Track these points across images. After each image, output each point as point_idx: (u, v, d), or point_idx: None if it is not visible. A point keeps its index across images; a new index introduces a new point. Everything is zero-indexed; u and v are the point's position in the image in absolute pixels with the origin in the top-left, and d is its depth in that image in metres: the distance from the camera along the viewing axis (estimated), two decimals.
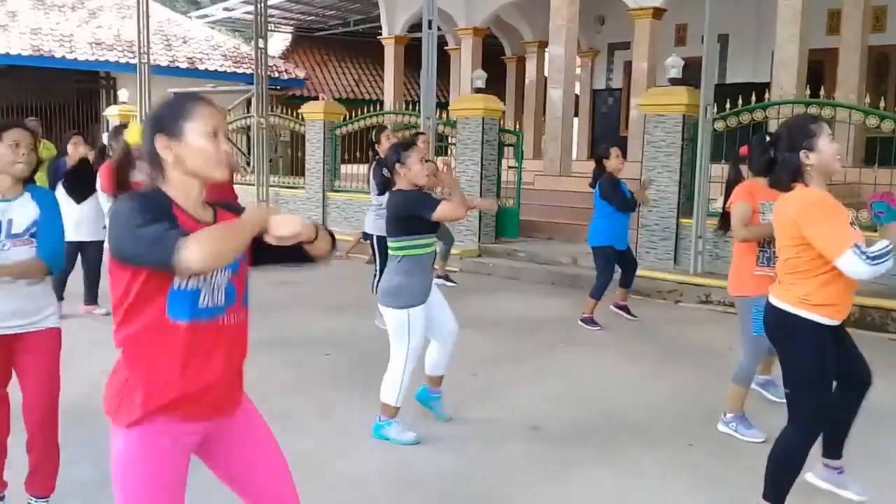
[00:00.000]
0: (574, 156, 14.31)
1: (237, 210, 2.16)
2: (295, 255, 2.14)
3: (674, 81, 8.75)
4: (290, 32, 23.08)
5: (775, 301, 3.15)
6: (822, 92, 8.14)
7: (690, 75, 8.91)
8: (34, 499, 3.17)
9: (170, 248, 1.78)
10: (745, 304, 4.25)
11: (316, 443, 4.14)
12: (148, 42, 14.90)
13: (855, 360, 3.32)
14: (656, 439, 4.29)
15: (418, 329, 4.08)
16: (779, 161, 3.13)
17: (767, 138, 3.71)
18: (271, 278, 8.16)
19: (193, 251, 1.77)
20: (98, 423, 2.23)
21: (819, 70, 12.77)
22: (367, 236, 9.14)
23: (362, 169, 10.93)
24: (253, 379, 2.35)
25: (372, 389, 4.33)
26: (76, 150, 6.91)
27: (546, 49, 17.62)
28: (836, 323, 3.10)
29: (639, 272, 7.21)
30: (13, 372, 3.13)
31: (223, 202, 2.22)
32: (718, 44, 15.17)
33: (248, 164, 15.39)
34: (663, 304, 7.96)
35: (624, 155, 6.77)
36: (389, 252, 4.17)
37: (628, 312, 7.04)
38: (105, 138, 6.90)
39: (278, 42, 22.96)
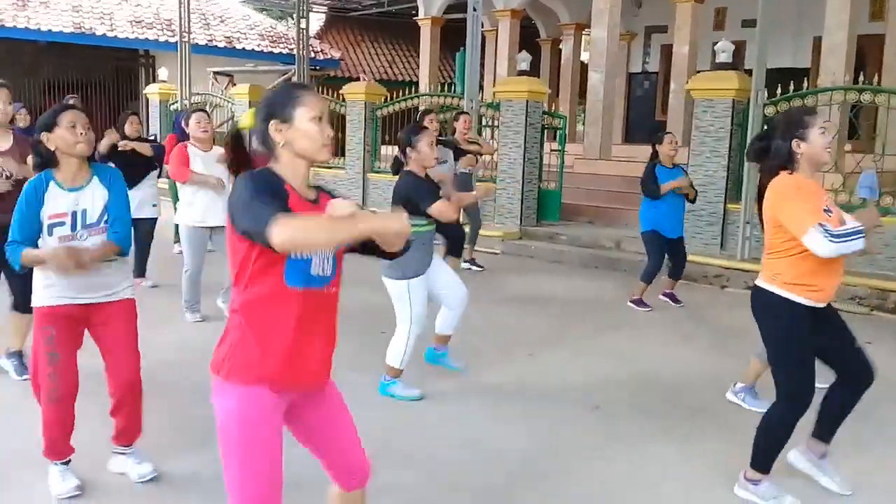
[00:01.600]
0: (614, 140, 14.29)
1: (332, 194, 2.30)
2: (372, 248, 2.24)
3: (719, 66, 8.72)
4: (325, 13, 23.13)
5: (757, 280, 3.35)
6: (861, 78, 8.10)
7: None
8: (123, 448, 3.40)
9: (264, 222, 1.91)
10: None
11: (380, 417, 4.25)
12: (189, 21, 15.03)
13: (855, 354, 3.38)
14: (713, 417, 4.39)
15: (418, 298, 4.40)
16: (772, 148, 3.27)
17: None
18: None
19: (277, 233, 1.89)
20: (160, 390, 2.37)
21: (863, 56, 12.64)
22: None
23: None
24: None
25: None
26: (133, 128, 7.09)
27: (583, 31, 17.59)
28: (812, 304, 3.21)
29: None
30: (89, 343, 3.29)
31: (325, 186, 2.36)
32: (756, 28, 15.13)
33: None
34: (710, 288, 7.99)
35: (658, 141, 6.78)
36: None
37: (674, 300, 7.08)
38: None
39: (313, 22, 22.99)
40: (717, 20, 16.28)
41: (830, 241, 2.99)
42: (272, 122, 2.17)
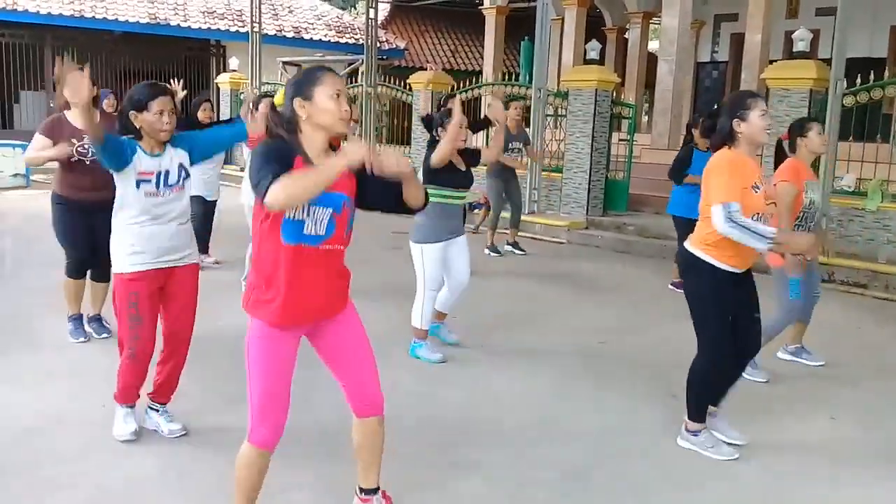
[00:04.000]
0: (683, 130, 14.10)
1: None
2: (392, 202, 2.67)
3: (795, 55, 8.54)
4: (390, 2, 23.30)
5: (686, 242, 3.68)
6: None
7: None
8: (158, 405, 3.73)
9: (264, 186, 2.32)
10: (782, 273, 4.67)
11: (459, 395, 4.35)
12: (260, 12, 15.32)
13: (752, 325, 3.71)
14: (789, 404, 4.37)
15: (431, 263, 4.84)
16: (718, 126, 3.58)
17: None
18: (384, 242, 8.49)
19: (273, 191, 2.30)
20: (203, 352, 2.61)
21: None
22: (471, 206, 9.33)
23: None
24: None
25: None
26: (206, 115, 7.39)
27: (651, 20, 17.36)
28: (729, 268, 3.52)
29: None
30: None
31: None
32: (833, 17, 14.69)
33: (355, 133, 15.73)
34: (760, 277, 7.84)
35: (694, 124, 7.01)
36: None
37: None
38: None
39: (378, 12, 23.23)
40: (790, 8, 15.90)
41: (727, 221, 3.33)
42: (296, 99, 2.53)
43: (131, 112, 3.42)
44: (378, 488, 2.89)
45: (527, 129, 9.63)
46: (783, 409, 4.40)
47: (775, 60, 11.06)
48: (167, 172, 3.48)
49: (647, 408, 4.30)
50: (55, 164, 4.91)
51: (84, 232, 4.86)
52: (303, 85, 2.54)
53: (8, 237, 8.76)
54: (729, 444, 3.77)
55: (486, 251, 8.70)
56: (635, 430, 4.00)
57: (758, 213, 3.51)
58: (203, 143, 3.68)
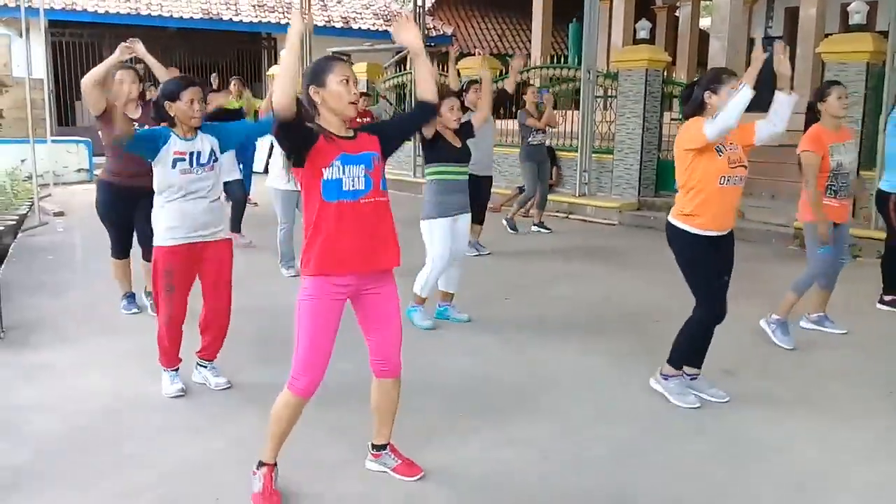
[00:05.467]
0: None
1: (372, 128, 3.05)
2: (414, 123, 3.32)
3: (851, 28, 8.36)
4: None
5: (668, 215, 4.00)
6: None
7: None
8: (205, 361, 4.22)
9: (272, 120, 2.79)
10: (812, 228, 4.92)
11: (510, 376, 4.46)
12: (309, 3, 15.51)
13: (721, 289, 3.98)
14: (857, 389, 4.37)
15: (438, 237, 5.16)
16: (693, 96, 3.85)
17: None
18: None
19: (272, 98, 2.72)
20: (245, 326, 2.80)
21: None
22: (520, 189, 9.56)
23: (510, 124, 11.09)
24: None
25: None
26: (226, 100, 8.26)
27: None
28: (705, 232, 3.85)
29: None
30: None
31: (365, 125, 3.11)
32: None
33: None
34: None
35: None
36: (426, 176, 5.28)
37: None
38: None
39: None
40: None
41: (711, 123, 3.61)
42: (311, 87, 2.87)
43: (165, 102, 3.85)
44: (388, 444, 3.23)
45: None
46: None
47: (831, 34, 10.82)
48: (199, 153, 3.91)
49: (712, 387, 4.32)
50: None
51: (124, 213, 5.30)
52: (316, 73, 2.86)
53: (77, 230, 9.13)
54: (701, 397, 4.07)
55: (534, 228, 9.23)
56: (706, 405, 4.05)
57: (724, 176, 3.79)
58: (229, 133, 4.15)
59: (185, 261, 3.92)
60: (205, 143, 3.95)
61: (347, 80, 2.84)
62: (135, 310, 5.58)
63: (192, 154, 3.88)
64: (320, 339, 2.91)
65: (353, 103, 2.85)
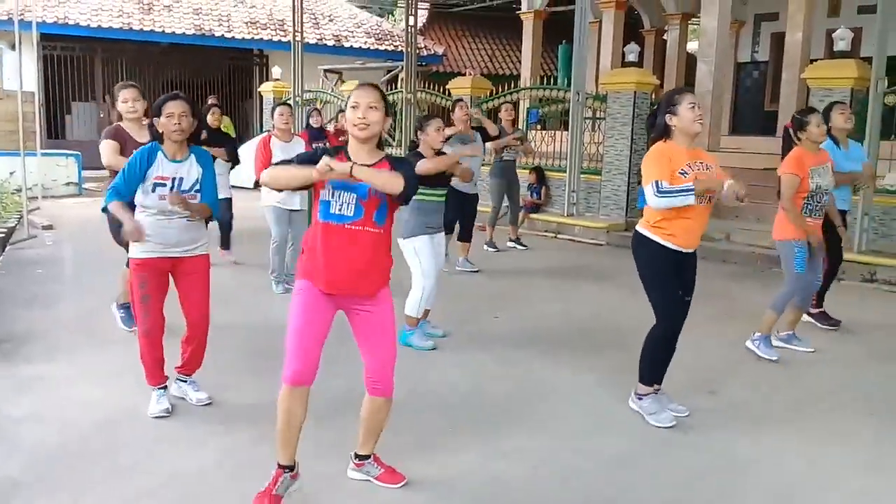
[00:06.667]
0: (725, 131, 14.08)
1: (395, 162, 3.08)
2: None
3: (836, 54, 8.54)
4: (427, 9, 23.54)
5: (637, 226, 4.11)
6: None
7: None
8: (184, 376, 4.23)
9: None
10: (789, 246, 5.19)
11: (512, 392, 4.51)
12: (301, 21, 15.63)
13: (682, 307, 4.06)
14: (839, 406, 4.44)
15: (424, 254, 5.21)
16: (656, 122, 3.99)
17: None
18: None
19: (267, 170, 3.03)
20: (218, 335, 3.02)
21: None
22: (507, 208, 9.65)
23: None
24: None
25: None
26: (214, 118, 8.13)
27: (689, 21, 17.33)
28: (672, 246, 3.94)
29: None
30: (169, 290, 4.08)
31: (397, 157, 3.21)
32: (875, 15, 14.50)
33: (393, 137, 15.94)
34: None
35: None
36: None
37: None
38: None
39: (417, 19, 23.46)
40: (831, 6, 15.74)
41: (656, 194, 3.78)
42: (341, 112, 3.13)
43: (154, 119, 3.90)
44: (371, 455, 3.31)
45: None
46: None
47: (816, 59, 11.02)
48: (181, 180, 3.90)
49: (686, 402, 4.39)
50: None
51: None
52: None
53: (66, 244, 9.12)
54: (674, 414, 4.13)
55: (485, 247, 9.13)
56: (692, 425, 4.11)
57: None
58: (207, 174, 4.03)
59: (158, 272, 3.95)
60: (192, 169, 3.93)
61: (356, 106, 2.99)
62: (134, 328, 5.42)
63: (174, 179, 3.86)
64: (307, 327, 3.00)
65: (356, 126, 2.99)
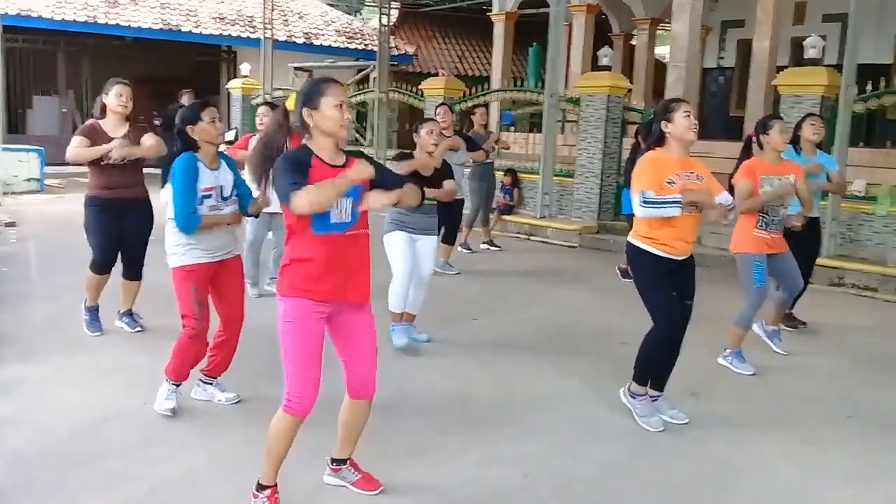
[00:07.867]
0: None
1: (366, 158, 2.99)
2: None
3: (804, 62, 8.71)
4: (398, 8, 23.48)
5: (629, 237, 4.16)
6: None
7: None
8: (211, 379, 4.19)
9: (287, 196, 2.72)
10: (746, 260, 5.13)
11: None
12: (271, 18, 15.50)
13: (683, 311, 4.08)
14: (821, 411, 4.53)
15: (399, 250, 5.24)
16: (652, 130, 4.06)
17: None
18: None
19: (299, 200, 2.70)
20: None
21: None
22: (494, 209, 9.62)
23: None
24: None
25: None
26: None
27: (657, 26, 17.53)
28: (663, 254, 3.98)
29: None
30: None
31: (357, 151, 3.07)
32: (840, 23, 14.86)
33: (364, 137, 15.86)
34: None
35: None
36: None
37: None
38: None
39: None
40: (797, 14, 16.06)
41: (641, 205, 3.87)
42: (304, 109, 2.87)
43: (187, 127, 3.87)
44: (348, 459, 3.27)
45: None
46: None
47: (782, 66, 11.22)
48: (223, 187, 3.98)
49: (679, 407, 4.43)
50: (84, 168, 5.18)
51: (115, 233, 5.18)
52: (310, 96, 2.87)
53: (31, 241, 8.91)
54: (667, 420, 4.16)
55: (459, 248, 9.06)
56: (674, 428, 4.14)
57: None
58: (238, 178, 4.13)
59: (204, 276, 3.97)
60: (228, 176, 4.02)
61: (342, 105, 2.87)
62: (98, 333, 5.33)
63: (217, 188, 3.93)
64: (309, 361, 2.93)
65: (344, 126, 2.90)
